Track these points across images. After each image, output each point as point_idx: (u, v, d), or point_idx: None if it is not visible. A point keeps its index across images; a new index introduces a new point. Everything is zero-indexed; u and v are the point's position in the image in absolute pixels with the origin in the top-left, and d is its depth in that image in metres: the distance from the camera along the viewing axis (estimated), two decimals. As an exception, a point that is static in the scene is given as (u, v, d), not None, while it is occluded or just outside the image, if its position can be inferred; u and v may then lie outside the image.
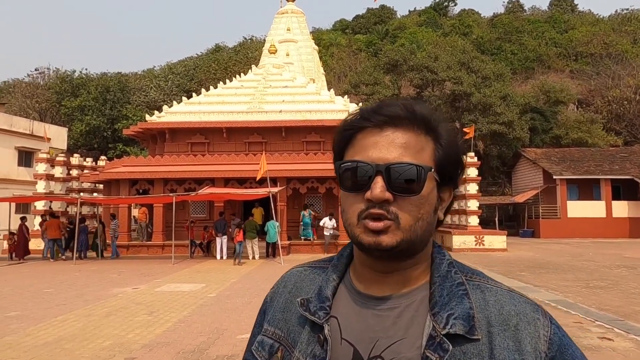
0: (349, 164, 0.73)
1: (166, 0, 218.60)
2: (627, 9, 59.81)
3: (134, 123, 30.30)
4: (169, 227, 17.12)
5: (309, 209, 17.84)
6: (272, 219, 15.10)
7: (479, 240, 18.43)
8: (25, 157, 29.87)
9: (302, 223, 17.38)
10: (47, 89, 43.05)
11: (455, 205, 20.91)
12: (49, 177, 19.48)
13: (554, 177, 26.72)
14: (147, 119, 20.55)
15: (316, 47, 30.01)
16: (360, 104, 21.86)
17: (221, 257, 15.49)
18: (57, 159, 20.45)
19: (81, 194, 19.88)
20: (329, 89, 23.13)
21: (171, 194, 15.37)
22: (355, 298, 0.77)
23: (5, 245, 16.57)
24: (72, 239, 16.14)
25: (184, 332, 6.12)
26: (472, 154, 20.23)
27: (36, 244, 16.88)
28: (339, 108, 19.59)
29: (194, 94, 21.87)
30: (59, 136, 32.68)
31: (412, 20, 62.51)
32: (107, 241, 17.01)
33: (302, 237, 17.38)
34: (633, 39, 48.96)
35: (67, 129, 35.52)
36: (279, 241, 15.05)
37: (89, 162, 22.58)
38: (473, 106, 31.94)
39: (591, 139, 33.68)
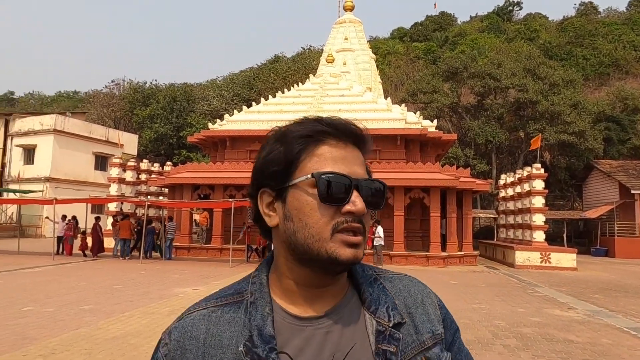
0: (330, 174, 0.71)
1: (229, 14, 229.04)
2: None
3: (197, 131, 31.86)
4: (228, 231, 17.75)
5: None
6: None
7: (545, 258, 17.28)
8: (101, 162, 32.43)
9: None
10: (121, 99, 46.53)
11: (519, 220, 19.81)
12: (121, 181, 20.96)
13: (632, 191, 24.51)
14: (209, 127, 21.51)
15: (373, 56, 29.91)
16: (418, 113, 21.49)
17: (276, 263, 15.75)
18: (129, 163, 21.98)
19: (148, 197, 21.17)
20: (385, 98, 22.94)
21: (230, 199, 15.91)
22: (296, 325, 0.74)
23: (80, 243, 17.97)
24: (139, 239, 17.20)
25: (240, 335, 6.26)
26: (539, 165, 19.07)
27: (108, 242, 18.16)
28: (395, 117, 19.34)
29: (253, 103, 22.61)
30: (130, 142, 35.17)
31: (474, 26, 60.59)
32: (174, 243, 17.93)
33: None
34: None
35: (137, 136, 38.16)
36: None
37: (156, 167, 24.02)
38: (539, 115, 30.21)
39: (677, 150, 30.60)
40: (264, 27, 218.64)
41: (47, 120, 30.04)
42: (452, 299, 9.32)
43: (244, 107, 21.77)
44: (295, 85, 23.07)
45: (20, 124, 31.06)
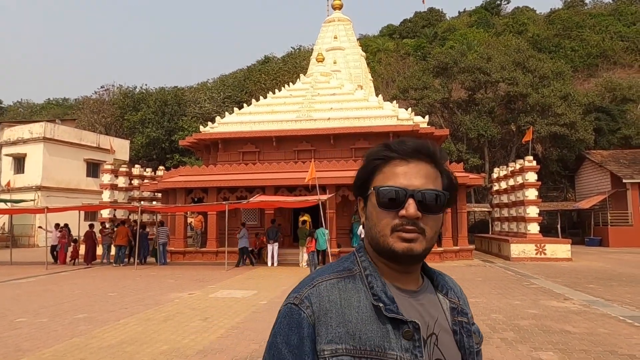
0: (387, 188, 0.94)
1: (217, 16, 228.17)
2: None
3: (189, 134, 31.66)
4: (223, 234, 17.66)
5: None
6: (322, 226, 15.10)
7: (540, 249, 17.37)
8: (93, 168, 32.15)
9: (351, 234, 17.06)
10: (111, 104, 46.14)
11: (513, 212, 19.89)
12: (113, 187, 20.79)
13: (624, 180, 24.72)
14: (201, 130, 21.39)
15: (363, 54, 29.88)
16: (410, 109, 21.49)
17: (272, 264, 15.70)
18: (120, 169, 21.81)
19: (142, 202, 21.01)
20: (377, 95, 22.93)
21: (224, 202, 15.82)
22: (400, 295, 0.96)
23: (71, 251, 17.79)
24: (133, 245, 17.07)
25: (236, 339, 6.21)
26: (531, 157, 19.16)
27: (98, 250, 17.92)
28: (387, 114, 19.34)
29: (244, 105, 22.53)
30: (122, 148, 34.91)
31: (462, 22, 60.75)
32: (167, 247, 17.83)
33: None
34: None
35: (129, 141, 37.88)
36: (328, 249, 15.01)
37: (148, 172, 23.86)
38: (530, 107, 30.34)
39: (666, 139, 30.87)
40: (253, 28, 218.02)
41: (37, 129, 29.73)
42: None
43: (235, 109, 21.67)
44: (286, 86, 23.01)
45: (9, 133, 30.70)
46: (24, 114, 60.30)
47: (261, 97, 22.55)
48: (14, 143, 29.96)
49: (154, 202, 23.03)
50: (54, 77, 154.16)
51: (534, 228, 17.96)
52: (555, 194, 32.73)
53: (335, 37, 28.45)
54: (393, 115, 19.21)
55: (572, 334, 6.26)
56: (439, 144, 21.23)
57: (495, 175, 23.01)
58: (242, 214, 19.34)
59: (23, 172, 29.51)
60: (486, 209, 26.49)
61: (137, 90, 46.91)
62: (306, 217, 16.91)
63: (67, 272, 14.61)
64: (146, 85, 62.87)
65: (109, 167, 21.21)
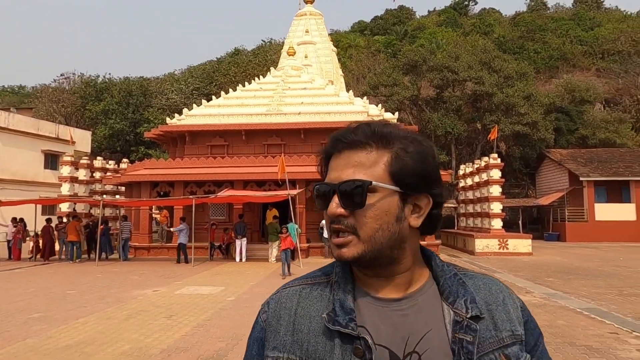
0: (317, 186, 0.83)
1: (186, 5, 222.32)
2: (657, 5, 57.74)
3: (155, 126, 30.70)
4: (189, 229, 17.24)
5: None
6: (291, 221, 15.00)
7: (503, 244, 17.95)
8: (51, 160, 30.66)
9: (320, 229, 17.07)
10: (72, 93, 44.14)
11: (478, 208, 20.45)
12: (73, 180, 19.89)
13: (581, 178, 25.89)
14: (167, 122, 20.78)
15: (335, 49, 29.86)
16: (380, 105, 21.65)
17: (240, 259, 15.48)
18: (81, 161, 20.89)
19: (104, 196, 20.22)
20: (347, 91, 22.96)
21: (191, 197, 15.45)
22: (374, 304, 0.82)
23: (32, 246, 16.94)
24: (92, 241, 16.40)
25: (202, 337, 6.05)
26: (496, 155, 19.73)
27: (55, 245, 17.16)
28: (358, 109, 19.41)
29: (213, 97, 22.05)
30: (83, 140, 33.45)
31: (432, 20, 61.79)
32: (130, 243, 17.27)
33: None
34: (663, 36, 47.16)
35: (91, 132, 36.35)
36: (298, 244, 14.93)
37: (111, 165, 22.98)
38: (495, 107, 31.23)
39: (620, 139, 32.55)
40: (223, 19, 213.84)
41: (-11, 117, 28.00)
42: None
43: (204, 101, 21.17)
44: (257, 79, 22.68)
45: (-42, 121, 28.79)
46: (-24, 101, 56.79)
47: (231, 90, 22.12)
48: (-36, 132, 28.13)
49: (117, 196, 22.23)
50: (9, 64, 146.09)
51: (497, 224, 18.53)
52: (517, 191, 33.95)
53: (307, 31, 28.26)
54: (364, 111, 19.29)
55: (533, 326, 6.46)
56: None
57: (461, 172, 23.58)
58: (210, 208, 18.97)
59: (-26, 163, 27.78)
60: (452, 205, 27.12)
61: (100, 79, 45.12)
62: (275, 212, 16.70)
63: (22, 269, 13.88)
64: (110, 74, 60.49)
65: (68, 159, 20.26)
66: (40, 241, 16.67)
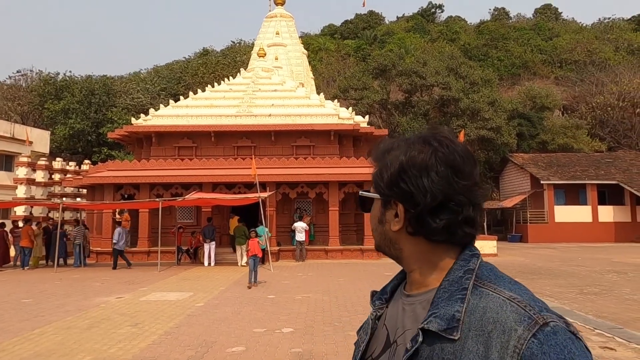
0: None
1: (152, 3, 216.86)
2: (609, 18, 61.17)
3: (119, 126, 29.66)
4: (155, 233, 16.70)
5: (304, 215, 17.47)
6: (261, 224, 14.80)
7: (470, 246, 18.35)
8: (6, 161, 29.01)
9: (292, 232, 16.89)
10: (29, 91, 42.05)
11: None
12: (30, 182, 18.90)
13: (542, 182, 26.94)
14: (133, 122, 20.10)
15: (305, 52, 29.82)
16: (350, 109, 21.76)
17: (209, 264, 15.12)
18: (39, 162, 19.89)
19: (63, 199, 19.31)
20: (318, 94, 22.96)
21: (157, 199, 14.96)
22: (399, 294, 0.95)
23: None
24: (50, 246, 15.59)
25: (170, 345, 5.81)
26: (462, 158, 20.19)
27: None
28: (328, 112, 19.42)
29: (181, 97, 21.53)
30: (41, 140, 31.86)
31: (400, 26, 62.94)
32: (90, 248, 16.55)
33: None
34: (615, 47, 49.95)
35: (49, 132, 34.70)
36: (268, 247, 14.74)
37: (72, 166, 22.01)
38: (461, 111, 32.08)
39: (576, 144, 34.12)
40: (191, 18, 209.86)
41: (-63, 115, 26.22)
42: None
43: (171, 102, 20.62)
44: (226, 80, 22.32)
45: None
46: None
47: (199, 91, 21.66)
48: None
49: (78, 199, 21.29)
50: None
51: (464, 225, 18.94)
52: (482, 194, 34.94)
53: (277, 33, 28.10)
54: (334, 114, 19.33)
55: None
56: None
57: (429, 175, 24.00)
58: (177, 211, 18.47)
59: None
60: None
61: (60, 77, 43.17)
62: (236, 220, 16.08)
63: (-28, 277, 13.01)
64: (70, 72, 58.02)
65: (25, 159, 19.25)
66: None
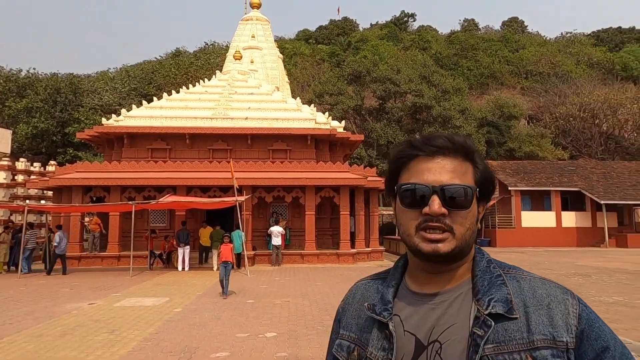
0: (409, 185, 0.92)
1: (122, 2, 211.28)
2: (571, 33, 64.29)
3: (86, 126, 28.63)
4: (125, 237, 16.21)
5: (280, 219, 17.33)
6: (238, 228, 14.64)
7: (442, 250, 18.74)
8: (-37, 161, 27.48)
9: (267, 237, 16.70)
10: (-11, 88, 40.05)
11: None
12: (-9, 183, 17.98)
13: (509, 188, 27.86)
14: (103, 122, 19.51)
15: (281, 56, 29.80)
16: (327, 114, 21.90)
17: (183, 269, 14.81)
18: (1, 163, 18.97)
19: (27, 201, 18.46)
20: (293, 98, 22.97)
21: (131, 202, 14.54)
22: (411, 297, 0.95)
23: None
24: (12, 250, 14.83)
25: (151, 352, 5.65)
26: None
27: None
28: (305, 117, 19.46)
29: (154, 98, 21.05)
30: (1, 139, 30.35)
31: (374, 34, 63.93)
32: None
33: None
34: (576, 60, 52.52)
35: (11, 131, 33.12)
36: (244, 251, 14.59)
37: (36, 167, 21.10)
38: (433, 119, 32.85)
39: (541, 152, 35.58)
40: (163, 18, 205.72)
41: None
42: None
43: (145, 103, 20.11)
44: (202, 82, 22.00)
45: None
46: None
47: (173, 92, 21.26)
48: None
49: (43, 202, 20.39)
50: None
51: (437, 230, 19.33)
52: (452, 199, 35.83)
53: (253, 36, 27.98)
54: (311, 119, 19.38)
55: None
56: (353, 149, 21.56)
57: (403, 181, 24.41)
58: (150, 215, 18.01)
59: None
60: (393, 212, 28.00)
61: (23, 74, 41.41)
62: (209, 230, 15.45)
63: None
64: (34, 69, 55.59)
65: (-15, 159, 18.30)
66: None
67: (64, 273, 14.08)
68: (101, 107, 37.74)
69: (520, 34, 64.39)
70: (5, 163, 19.07)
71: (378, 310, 0.94)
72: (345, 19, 67.95)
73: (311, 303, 8.95)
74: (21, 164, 20.12)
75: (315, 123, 19.37)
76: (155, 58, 53.79)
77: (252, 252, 16.36)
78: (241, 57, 23.49)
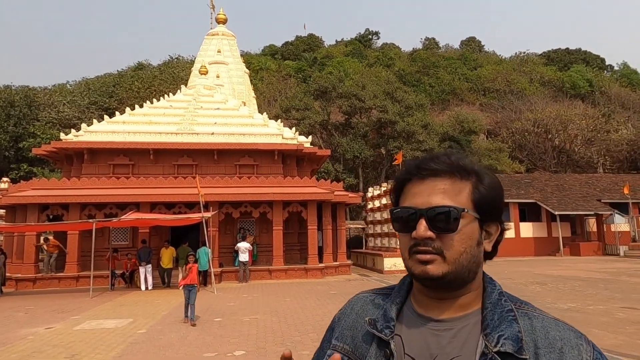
0: (398, 210, 0.91)
1: (80, 13, 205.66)
2: (524, 52, 68.01)
3: (42, 141, 27.48)
4: (84, 257, 15.60)
5: (248, 235, 17.18)
6: (204, 245, 14.40)
7: (408, 262, 19.10)
8: None
9: (235, 253, 16.48)
10: None
11: (385, 229, 21.64)
12: (-64, 202, 16.87)
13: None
14: (62, 137, 18.83)
15: (247, 71, 29.89)
16: (294, 129, 22.07)
17: (146, 288, 14.37)
18: (-52, 180, 17.88)
19: (-23, 220, 17.45)
20: (260, 113, 23.03)
21: (91, 220, 14.05)
22: (415, 319, 0.91)
23: None
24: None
25: (115, 376, 5.48)
26: (400, 178, 21.13)
27: None
28: (272, 132, 19.54)
29: (116, 113, 20.55)
30: (-52, 154, 28.64)
31: (339, 50, 65.19)
32: (7, 274, 15.04)
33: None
34: (530, 78, 55.52)
35: (-41, 146, 31.32)
36: (210, 269, 14.34)
37: (-13, 184, 20.01)
38: (397, 134, 33.71)
39: (500, 165, 37.13)
40: (126, 30, 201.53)
41: None
42: (335, 308, 9.62)
43: (106, 117, 19.61)
44: (166, 96, 21.70)
45: None
46: None
47: (137, 106, 20.84)
48: None
49: (-6, 220, 19.31)
50: None
51: (403, 243, 19.72)
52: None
53: (219, 51, 27.96)
54: (278, 134, 19.48)
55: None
56: (320, 164, 21.78)
57: (369, 194, 24.82)
58: (111, 233, 17.42)
59: None
60: (360, 226, 28.33)
61: (-27, 86, 39.39)
62: (172, 251, 14.93)
63: None
64: (-15, 81, 53.12)
65: None
66: None
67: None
68: (59, 121, 36.39)
69: (478, 53, 67.48)
70: (-47, 180, 18.01)
71: (379, 327, 0.90)
72: (311, 35, 69.03)
73: (280, 320, 8.92)
74: (-30, 181, 19.04)
75: (283, 138, 19.48)
76: (117, 71, 52.57)
77: (219, 269, 16.10)
78: (207, 72, 23.40)
